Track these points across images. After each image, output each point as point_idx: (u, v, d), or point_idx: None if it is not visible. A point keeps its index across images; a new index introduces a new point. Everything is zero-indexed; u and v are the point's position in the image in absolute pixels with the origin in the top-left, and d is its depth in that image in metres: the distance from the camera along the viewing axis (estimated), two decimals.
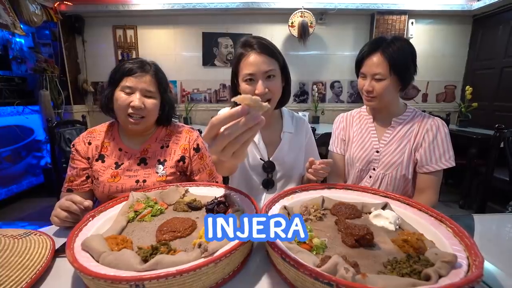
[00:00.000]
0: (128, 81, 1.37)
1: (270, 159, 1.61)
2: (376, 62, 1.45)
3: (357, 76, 1.59)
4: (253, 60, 1.36)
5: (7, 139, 4.21)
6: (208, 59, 5.28)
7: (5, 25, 3.74)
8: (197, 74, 5.28)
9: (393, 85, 1.47)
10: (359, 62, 1.54)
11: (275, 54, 1.39)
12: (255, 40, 1.39)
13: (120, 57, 5.17)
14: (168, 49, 5.26)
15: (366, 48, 1.49)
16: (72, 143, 1.47)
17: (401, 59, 1.42)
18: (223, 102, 5.39)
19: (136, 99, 1.36)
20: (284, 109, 1.70)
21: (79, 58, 5.30)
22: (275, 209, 1.02)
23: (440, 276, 0.65)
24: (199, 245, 0.76)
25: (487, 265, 0.80)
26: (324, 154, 3.74)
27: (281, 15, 4.95)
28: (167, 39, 5.27)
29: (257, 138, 1.62)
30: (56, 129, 3.07)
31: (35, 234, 0.97)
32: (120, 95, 1.37)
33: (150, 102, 1.42)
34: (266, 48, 1.37)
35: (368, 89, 1.49)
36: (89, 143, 1.47)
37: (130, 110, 1.37)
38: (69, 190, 1.43)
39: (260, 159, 1.61)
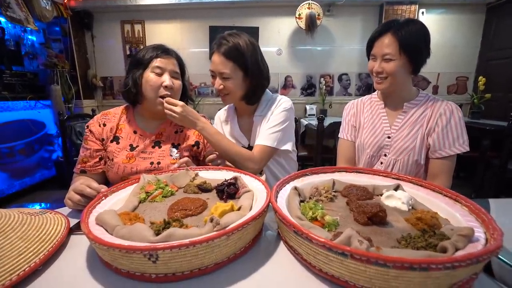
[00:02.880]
0: (158, 62, 1.42)
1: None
2: (386, 42, 1.43)
3: (368, 59, 1.57)
4: (213, 59, 1.51)
5: (21, 132, 4.27)
6: None
7: (18, 20, 3.79)
8: (204, 68, 4.99)
9: (403, 66, 1.43)
10: (370, 44, 1.52)
11: (234, 57, 1.47)
12: (221, 40, 1.49)
13: (128, 52, 5.23)
14: (175, 43, 5.20)
15: (378, 29, 1.48)
16: (86, 125, 1.48)
17: (412, 39, 1.39)
18: None
19: (167, 79, 1.41)
20: (265, 94, 1.71)
21: (89, 53, 5.37)
22: (286, 190, 1.00)
23: (457, 250, 0.64)
24: (211, 220, 0.76)
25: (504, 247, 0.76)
26: (332, 147, 3.78)
27: (288, 7, 4.98)
28: (174, 33, 5.31)
29: (234, 128, 1.74)
30: (67, 122, 3.08)
31: (50, 213, 0.98)
32: (150, 76, 1.41)
33: (177, 82, 1.47)
34: (226, 50, 1.46)
35: (378, 70, 1.47)
36: (104, 125, 1.48)
37: (162, 91, 1.41)
38: (82, 171, 1.44)
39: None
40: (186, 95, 1.60)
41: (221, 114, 1.89)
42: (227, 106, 1.85)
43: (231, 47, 1.46)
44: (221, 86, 1.52)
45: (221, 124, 1.85)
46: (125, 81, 1.47)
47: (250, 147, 1.65)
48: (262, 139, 1.56)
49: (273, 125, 1.58)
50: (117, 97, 5.52)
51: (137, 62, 1.44)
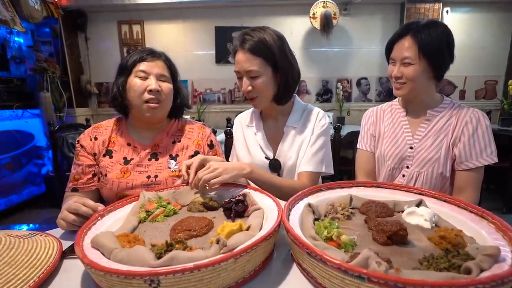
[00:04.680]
0: (142, 66, 1.43)
1: (276, 157, 1.66)
2: (405, 46, 1.46)
3: (388, 62, 1.59)
4: (238, 58, 1.50)
5: (6, 145, 4.23)
6: (221, 56, 5.34)
7: (4, 21, 3.78)
8: (210, 73, 5.42)
9: (423, 71, 1.45)
10: (389, 47, 1.55)
11: (261, 52, 1.46)
12: (244, 36, 1.48)
13: (126, 55, 5.12)
14: (178, 46, 5.29)
15: (397, 31, 1.50)
16: (77, 139, 1.51)
17: (433, 43, 1.41)
18: (237, 103, 5.50)
19: (152, 82, 1.42)
20: (297, 102, 1.72)
21: (82, 57, 5.38)
22: (299, 207, 1.02)
23: (482, 270, 0.65)
24: (217, 241, 0.77)
25: None
26: (350, 158, 3.68)
27: (302, 6, 5.00)
28: (177, 35, 5.34)
29: (259, 136, 1.70)
30: (58, 133, 3.12)
31: (40, 235, 0.98)
32: (134, 82, 1.42)
33: (165, 85, 1.47)
34: (251, 46, 1.45)
35: (397, 74, 1.50)
36: (95, 138, 1.51)
37: (147, 95, 1.41)
38: (74, 190, 1.45)
39: (266, 157, 1.67)
40: (181, 103, 1.62)
41: (243, 117, 1.86)
42: (250, 109, 1.83)
43: (257, 41, 1.46)
44: (250, 88, 1.51)
45: (242, 130, 1.82)
46: (111, 89, 1.51)
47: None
48: (311, 164, 1.58)
49: (318, 147, 1.60)
50: None
51: (122, 68, 1.48)
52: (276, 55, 1.48)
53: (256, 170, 1.40)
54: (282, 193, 1.36)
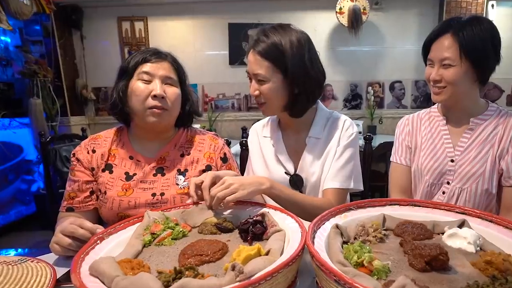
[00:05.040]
0: (145, 68, 1.42)
1: (297, 172, 1.65)
2: (445, 45, 1.43)
3: (425, 64, 1.57)
4: (248, 58, 1.51)
5: None
6: (236, 57, 5.22)
7: None
8: (223, 76, 5.32)
9: (465, 73, 1.42)
10: (427, 46, 1.54)
11: (271, 56, 1.45)
12: (260, 36, 1.47)
13: (127, 56, 4.81)
14: (187, 45, 5.19)
15: (436, 29, 1.48)
16: (72, 152, 1.50)
17: (477, 42, 1.38)
18: (254, 110, 5.39)
19: (157, 87, 1.39)
20: (321, 110, 1.68)
21: (77, 58, 5.30)
22: (325, 228, 0.99)
23: None
24: (233, 267, 0.74)
25: None
26: (383, 172, 3.73)
27: (327, 0, 4.89)
28: (185, 33, 5.26)
29: (278, 148, 1.68)
30: (50, 145, 3.13)
31: (32, 261, 0.98)
32: (137, 85, 1.40)
33: (172, 90, 1.45)
34: (262, 48, 1.45)
35: (435, 78, 1.48)
36: (93, 151, 1.49)
37: (151, 101, 1.38)
38: (69, 209, 1.43)
39: (285, 173, 1.65)
40: (190, 110, 1.58)
41: (259, 127, 1.83)
42: (267, 118, 1.82)
43: (269, 44, 1.44)
44: (257, 92, 1.50)
45: (258, 141, 1.79)
46: (110, 95, 1.48)
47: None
48: (337, 180, 1.53)
49: (345, 160, 1.56)
50: None
51: (123, 70, 1.45)
52: (288, 62, 1.44)
53: (277, 185, 1.36)
54: (306, 213, 1.33)
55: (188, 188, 1.35)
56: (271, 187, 1.31)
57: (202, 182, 1.24)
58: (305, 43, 1.49)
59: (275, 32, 1.46)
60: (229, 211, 1.24)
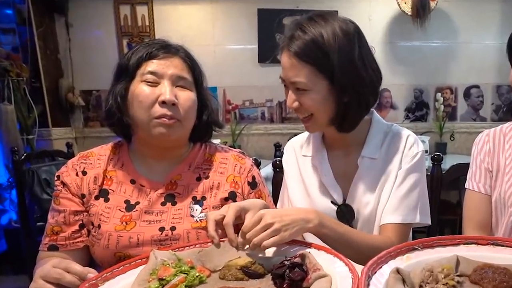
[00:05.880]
0: (150, 66, 1.25)
1: (347, 201, 1.49)
2: None
3: (511, 65, 1.40)
4: (282, 62, 1.36)
5: None
6: (267, 53, 4.67)
7: None
8: (250, 77, 4.83)
9: None
10: None
11: (312, 58, 1.26)
12: (294, 31, 1.27)
13: (126, 50, 4.64)
14: (204, 37, 4.65)
15: None
16: (57, 174, 1.35)
17: None
18: (291, 121, 4.87)
19: (166, 90, 1.22)
20: (377, 122, 1.50)
21: (61, 52, 4.75)
22: (383, 273, 0.86)
23: None
24: None
25: None
26: (455, 203, 3.74)
27: None
28: (202, 21, 4.75)
29: (323, 170, 1.51)
30: (26, 165, 2.95)
31: None
32: (140, 89, 1.23)
33: (185, 95, 1.28)
34: (299, 48, 1.26)
35: None
36: (83, 173, 1.32)
37: (158, 109, 1.21)
38: (53, 248, 1.26)
39: (332, 202, 1.47)
40: (208, 120, 1.43)
41: (297, 143, 1.66)
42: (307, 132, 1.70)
43: (308, 42, 1.23)
44: (296, 104, 1.31)
45: (296, 161, 1.61)
46: (105, 100, 1.34)
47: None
48: (398, 213, 1.36)
49: (408, 188, 1.37)
50: None
51: (121, 69, 1.29)
52: (334, 63, 1.25)
53: (327, 221, 1.20)
54: (359, 253, 1.19)
55: (206, 222, 1.26)
56: (320, 224, 1.15)
57: (223, 218, 1.07)
58: (353, 36, 1.28)
59: (314, 24, 1.24)
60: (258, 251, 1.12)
